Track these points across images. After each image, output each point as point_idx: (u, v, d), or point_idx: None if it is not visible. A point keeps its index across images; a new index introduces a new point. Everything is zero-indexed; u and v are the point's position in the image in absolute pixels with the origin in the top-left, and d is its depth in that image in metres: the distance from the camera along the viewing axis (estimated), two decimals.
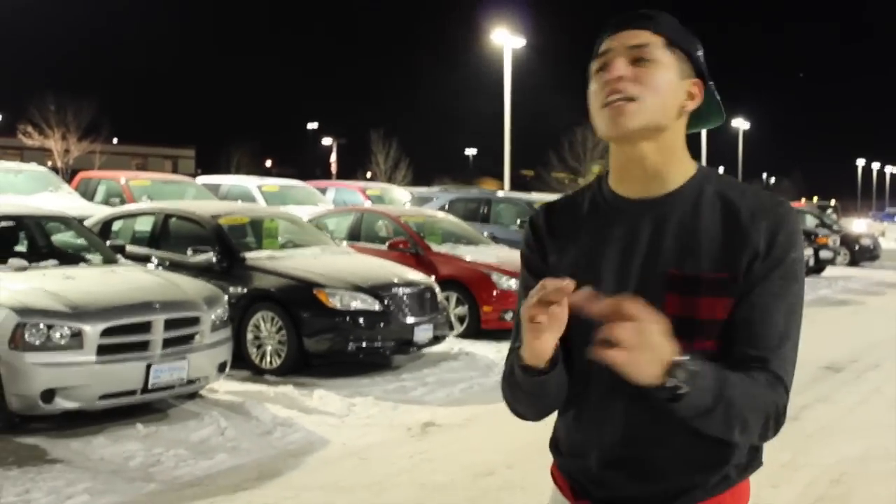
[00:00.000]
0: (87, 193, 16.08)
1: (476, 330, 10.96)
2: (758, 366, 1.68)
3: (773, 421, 1.68)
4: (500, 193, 20.15)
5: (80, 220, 9.14)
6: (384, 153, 61.36)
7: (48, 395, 6.28)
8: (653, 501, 1.77)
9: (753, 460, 1.82)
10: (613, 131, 1.73)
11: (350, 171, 65.54)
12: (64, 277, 7.10)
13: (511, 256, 11.67)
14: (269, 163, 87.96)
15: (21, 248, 8.60)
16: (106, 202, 15.37)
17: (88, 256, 8.35)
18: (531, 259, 1.92)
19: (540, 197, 18.85)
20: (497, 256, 11.66)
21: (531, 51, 35.81)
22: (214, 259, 9.09)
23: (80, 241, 9.08)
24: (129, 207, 11.05)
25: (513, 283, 10.96)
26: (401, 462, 6.11)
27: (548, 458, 1.96)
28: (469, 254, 11.64)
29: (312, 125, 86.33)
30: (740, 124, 67.62)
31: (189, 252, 9.20)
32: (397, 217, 12.51)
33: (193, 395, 7.42)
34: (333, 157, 66.88)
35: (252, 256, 9.17)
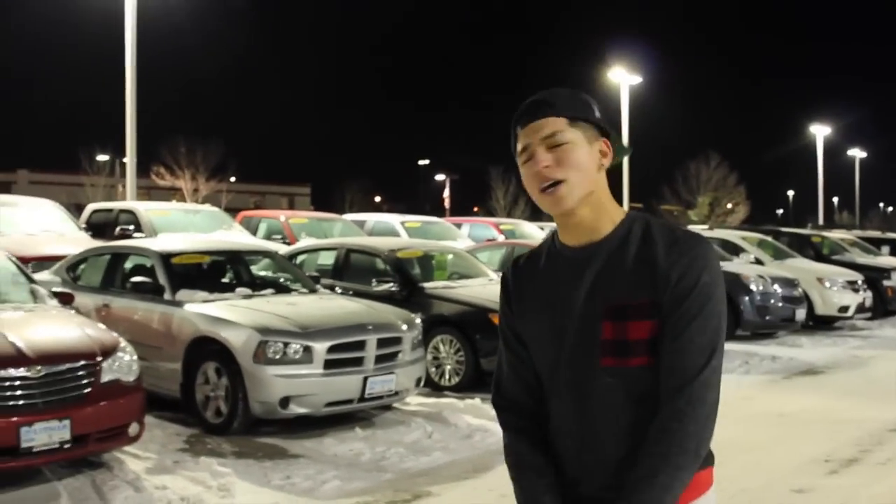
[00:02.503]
0: (250, 230, 17.46)
1: None
2: (675, 396, 1.97)
3: (696, 443, 1.96)
4: None
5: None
6: (503, 189, 62.67)
7: (285, 401, 7.41)
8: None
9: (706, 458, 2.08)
10: (556, 210, 2.08)
11: (462, 206, 66.93)
12: (287, 304, 8.28)
13: None
14: (378, 198, 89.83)
15: (227, 279, 9.82)
16: (268, 238, 16.74)
17: (292, 286, 9.53)
18: (504, 308, 2.29)
19: None
20: None
21: (645, 86, 36.51)
22: (395, 288, 10.19)
23: (274, 273, 10.31)
24: (314, 243, 12.33)
25: None
26: None
27: None
28: None
29: (424, 161, 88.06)
30: (856, 153, 66.76)
31: (373, 282, 10.34)
32: None
33: (389, 407, 8.48)
34: (447, 193, 68.46)
35: (430, 286, 10.26)
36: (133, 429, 6.41)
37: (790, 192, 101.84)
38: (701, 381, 1.96)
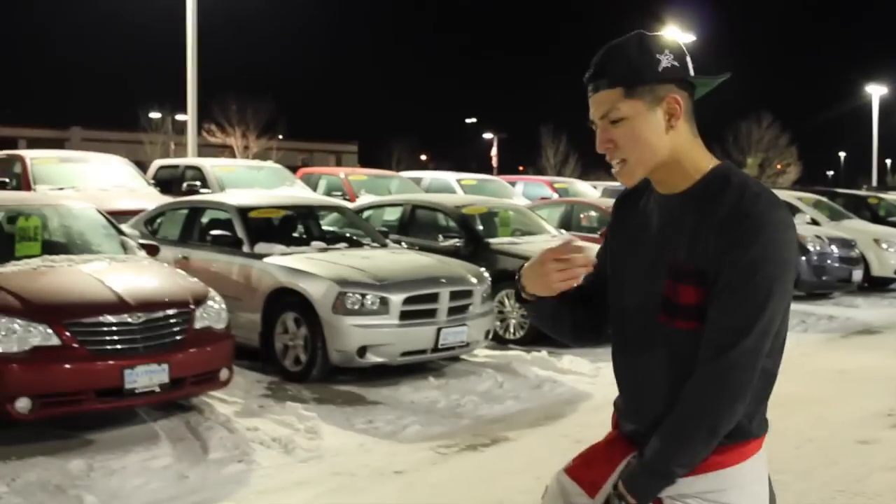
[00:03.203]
0: (310, 187, 17.76)
1: None
2: (701, 367, 1.93)
3: (712, 421, 1.92)
4: None
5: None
6: (554, 147, 62.66)
7: (362, 351, 7.72)
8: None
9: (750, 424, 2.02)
10: (627, 184, 2.09)
11: (510, 165, 66.91)
12: (361, 257, 8.57)
13: None
14: (423, 157, 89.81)
15: (299, 233, 10.10)
16: (327, 194, 17.04)
17: (362, 241, 9.81)
18: (609, 236, 2.27)
19: None
20: None
21: (699, 45, 36.22)
22: (461, 244, 10.45)
23: (341, 229, 10.59)
24: (380, 199, 12.62)
25: None
26: None
27: None
28: None
29: (471, 120, 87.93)
30: None
31: (440, 238, 10.60)
32: (607, 209, 13.65)
33: (458, 358, 8.78)
34: (494, 151, 68.35)
35: (494, 242, 10.50)
36: (224, 374, 6.76)
37: (842, 154, 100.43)
38: (727, 360, 1.90)
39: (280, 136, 63.83)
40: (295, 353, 8.03)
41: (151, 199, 13.12)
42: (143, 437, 6.24)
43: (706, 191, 1.98)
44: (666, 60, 1.95)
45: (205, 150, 54.10)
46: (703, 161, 2.02)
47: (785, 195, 18.47)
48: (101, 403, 6.10)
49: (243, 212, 9.08)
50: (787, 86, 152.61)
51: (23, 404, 5.79)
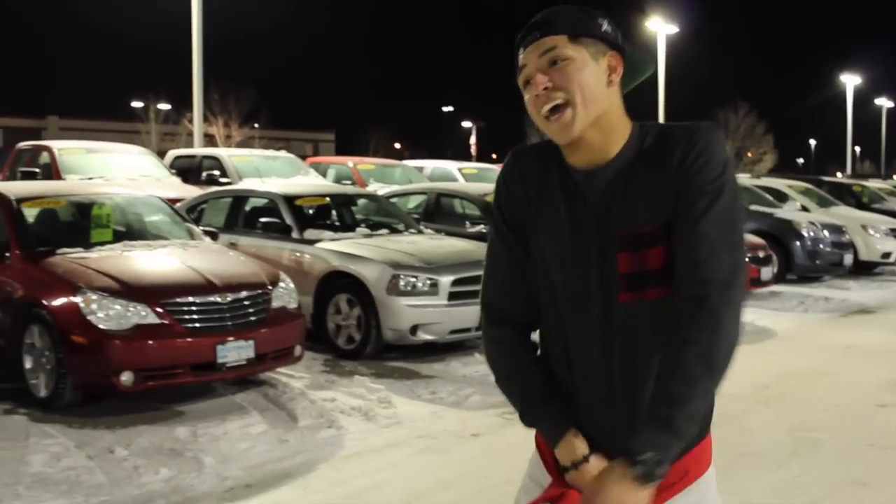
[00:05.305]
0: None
1: None
2: (695, 298, 1.79)
3: (726, 349, 1.79)
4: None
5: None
6: (539, 136, 63.06)
7: (414, 329, 8.31)
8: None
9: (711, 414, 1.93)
10: (563, 138, 1.89)
11: (488, 154, 67.57)
12: (407, 242, 9.15)
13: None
14: (397, 145, 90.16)
15: (338, 220, 10.64)
16: (337, 183, 17.56)
17: (397, 226, 10.37)
18: (504, 207, 2.03)
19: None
20: None
21: (680, 36, 36.98)
22: (486, 229, 11.03)
23: (377, 216, 11.15)
24: (404, 188, 13.20)
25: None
26: None
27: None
28: None
29: (448, 108, 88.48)
30: (884, 103, 66.87)
31: (467, 224, 11.20)
32: None
33: None
34: (473, 140, 69.14)
35: None
36: (297, 350, 7.33)
37: (812, 142, 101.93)
38: (726, 277, 1.79)
39: (256, 125, 64.12)
40: (348, 332, 8.60)
41: (175, 188, 13.66)
42: (230, 407, 6.79)
43: (643, 145, 1.90)
44: (605, 25, 1.91)
45: (187, 139, 54.41)
46: (628, 123, 1.94)
47: (775, 183, 19.25)
48: (196, 377, 6.65)
49: (290, 200, 9.62)
50: (762, 74, 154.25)
51: (126, 377, 6.33)
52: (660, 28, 34.04)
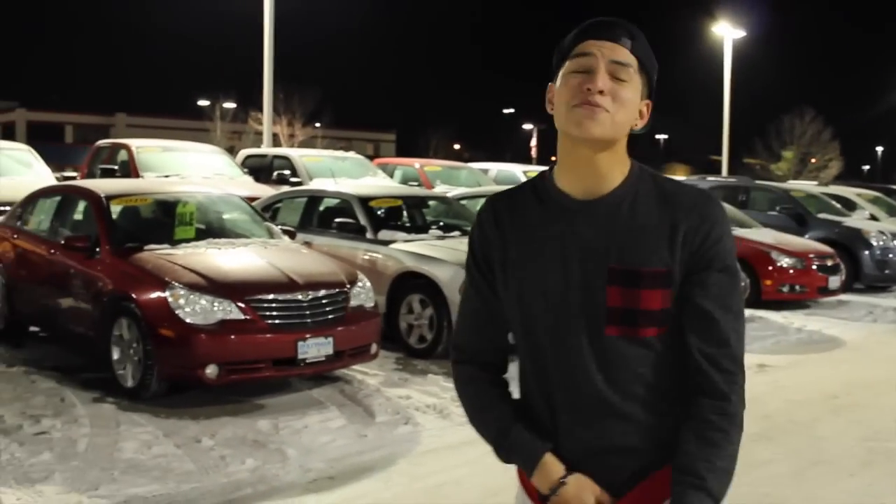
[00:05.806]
0: None
1: (755, 300, 12.61)
2: (709, 363, 1.85)
3: (735, 410, 1.87)
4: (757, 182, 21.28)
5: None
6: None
7: None
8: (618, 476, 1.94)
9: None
10: (578, 132, 1.85)
11: (548, 157, 67.44)
12: None
13: (783, 238, 13.31)
14: (457, 146, 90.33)
15: (410, 221, 10.82)
16: (404, 184, 17.79)
17: (468, 228, 10.52)
18: (480, 253, 2.04)
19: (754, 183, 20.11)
20: (773, 237, 13.30)
21: (748, 40, 36.68)
22: None
23: (446, 218, 11.32)
24: (474, 190, 13.38)
25: (786, 261, 12.59)
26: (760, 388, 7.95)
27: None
28: (747, 234, 13.30)
29: (509, 110, 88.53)
30: None
31: None
32: None
33: None
34: (534, 142, 69.17)
35: None
36: (373, 348, 7.52)
37: (879, 149, 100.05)
38: (735, 343, 1.89)
39: (317, 125, 64.82)
40: (419, 331, 8.78)
41: (249, 187, 13.94)
42: (308, 402, 7.00)
43: (639, 189, 1.92)
44: (656, 76, 1.97)
45: (254, 137, 55.23)
46: (630, 162, 1.97)
47: (843, 191, 19.08)
48: (277, 371, 6.87)
49: (364, 201, 9.84)
50: (834, 81, 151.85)
51: (211, 370, 6.57)
52: (727, 32, 33.80)
